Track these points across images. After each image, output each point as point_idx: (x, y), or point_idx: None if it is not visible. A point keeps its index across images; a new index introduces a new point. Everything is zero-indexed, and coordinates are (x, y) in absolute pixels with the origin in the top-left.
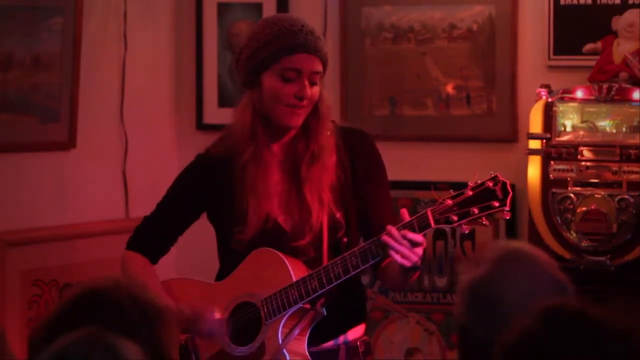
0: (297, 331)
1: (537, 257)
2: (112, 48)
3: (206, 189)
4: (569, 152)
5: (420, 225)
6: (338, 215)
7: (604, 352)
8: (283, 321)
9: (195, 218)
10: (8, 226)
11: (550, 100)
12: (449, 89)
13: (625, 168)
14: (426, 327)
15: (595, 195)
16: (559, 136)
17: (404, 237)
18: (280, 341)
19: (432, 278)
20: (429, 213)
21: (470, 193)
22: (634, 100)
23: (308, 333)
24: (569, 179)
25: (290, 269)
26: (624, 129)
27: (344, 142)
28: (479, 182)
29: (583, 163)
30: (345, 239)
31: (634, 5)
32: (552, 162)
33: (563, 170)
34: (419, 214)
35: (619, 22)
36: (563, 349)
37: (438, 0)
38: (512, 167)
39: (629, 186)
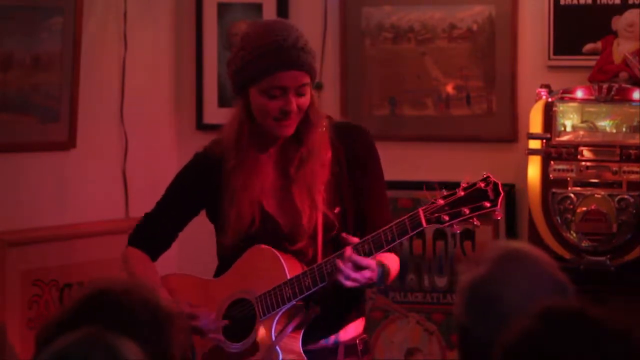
0: (290, 328)
1: (537, 257)
2: (112, 48)
3: (202, 188)
4: (569, 152)
5: (412, 225)
6: (335, 211)
7: (604, 352)
8: (276, 318)
9: (194, 215)
10: (8, 226)
11: (550, 100)
12: (449, 89)
13: (625, 168)
14: (426, 327)
15: (595, 195)
16: (559, 136)
17: (350, 260)
18: (273, 338)
19: (432, 278)
20: (421, 213)
21: (462, 193)
22: (634, 100)
23: (303, 331)
24: (569, 179)
25: (284, 267)
26: (624, 129)
27: (338, 137)
28: (471, 182)
29: (583, 163)
30: (343, 235)
31: (634, 5)
32: (552, 162)
33: (563, 170)
34: (411, 214)
35: (619, 22)
36: (563, 349)
37: (438, 0)
38: (512, 167)
39: (629, 186)
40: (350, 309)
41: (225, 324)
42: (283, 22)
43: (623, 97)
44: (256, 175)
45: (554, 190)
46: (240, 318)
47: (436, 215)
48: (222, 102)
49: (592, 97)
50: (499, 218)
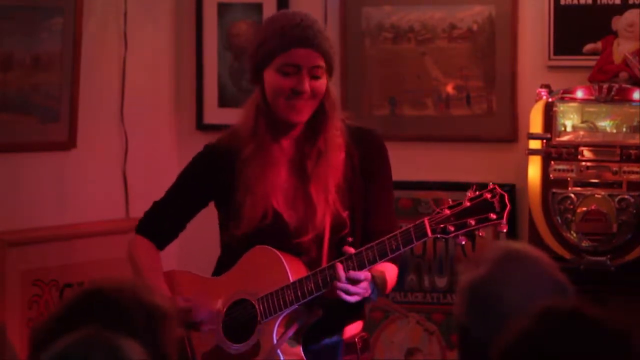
0: (291, 332)
1: (537, 257)
2: (112, 48)
3: (211, 180)
4: (569, 152)
5: (417, 234)
6: (344, 214)
7: (603, 352)
8: (278, 321)
9: (202, 206)
10: (8, 226)
11: (550, 100)
12: (449, 89)
13: (625, 168)
14: (426, 327)
15: (596, 196)
16: (559, 136)
17: (347, 277)
18: (275, 341)
19: (432, 278)
20: (427, 222)
21: (468, 204)
22: (634, 100)
23: (304, 333)
24: (569, 179)
25: (287, 270)
26: (624, 129)
27: (353, 141)
28: (478, 193)
29: (583, 163)
30: (350, 239)
31: (634, 5)
32: (552, 162)
33: (563, 170)
34: (416, 223)
35: (619, 22)
36: (561, 349)
37: (438, 0)
38: (512, 167)
39: (629, 186)
40: (352, 311)
41: (223, 320)
42: (301, 11)
43: (623, 97)
44: (271, 166)
45: (554, 190)
46: (241, 319)
47: (442, 225)
48: (222, 102)
49: (592, 97)
50: (504, 230)
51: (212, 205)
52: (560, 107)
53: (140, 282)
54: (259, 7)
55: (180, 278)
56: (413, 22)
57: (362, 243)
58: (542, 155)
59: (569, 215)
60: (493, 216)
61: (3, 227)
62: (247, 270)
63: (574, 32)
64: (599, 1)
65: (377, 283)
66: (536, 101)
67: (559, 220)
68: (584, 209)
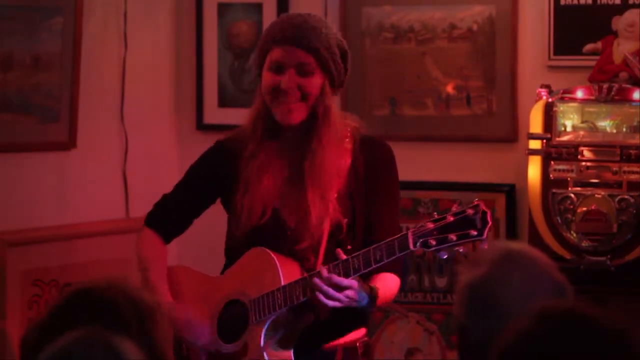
0: (279, 335)
1: (536, 258)
2: (112, 48)
3: (218, 176)
4: (569, 152)
5: (400, 247)
6: (343, 222)
7: (602, 352)
8: (267, 324)
9: (210, 202)
10: (8, 226)
11: (550, 100)
12: (449, 89)
13: (625, 168)
14: (426, 327)
15: (596, 196)
16: (559, 136)
17: (330, 281)
18: (262, 344)
19: (432, 278)
20: (410, 235)
21: (451, 219)
22: (634, 100)
23: (296, 338)
24: (569, 179)
25: (280, 272)
26: (624, 129)
27: (361, 150)
28: (461, 208)
29: (583, 163)
30: (349, 247)
31: (634, 5)
32: (552, 162)
33: (563, 170)
34: (400, 235)
35: (619, 22)
36: (561, 349)
37: (438, 0)
38: (512, 167)
39: (629, 186)
40: (354, 318)
41: (218, 319)
42: (306, 13)
43: (623, 97)
44: (269, 168)
45: (554, 190)
46: (235, 319)
47: (424, 239)
48: (222, 102)
49: (592, 97)
50: (485, 247)
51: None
52: (560, 107)
53: (128, 279)
54: (259, 7)
55: (182, 275)
56: (413, 22)
57: None
58: (542, 155)
59: (569, 215)
60: (474, 232)
61: (3, 227)
62: (243, 271)
63: (574, 32)
64: (599, 1)
65: (367, 292)
66: (536, 101)
67: (559, 220)
68: (584, 209)
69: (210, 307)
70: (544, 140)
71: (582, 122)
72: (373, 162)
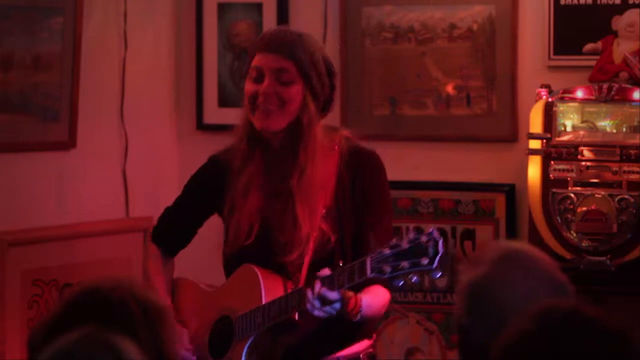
0: (260, 353)
1: (537, 257)
2: (112, 48)
3: (211, 192)
4: (569, 152)
5: (360, 273)
6: (332, 238)
7: (602, 352)
8: (249, 341)
9: (209, 214)
10: (8, 226)
11: (550, 100)
12: (449, 89)
13: (625, 168)
14: (426, 327)
15: (596, 195)
16: (559, 136)
17: (318, 294)
18: None
19: (432, 278)
20: (368, 261)
21: (406, 245)
22: (634, 100)
23: (279, 356)
24: (569, 179)
25: (262, 291)
26: (624, 129)
27: (348, 162)
28: (415, 235)
29: (583, 163)
30: (340, 262)
31: (634, 5)
32: (552, 162)
33: (563, 170)
34: (360, 260)
35: (619, 22)
36: (561, 349)
37: (438, 0)
38: (512, 167)
39: (629, 186)
40: (355, 328)
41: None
42: (303, 32)
43: (623, 97)
44: (255, 185)
45: (554, 190)
46: (224, 335)
47: (380, 265)
48: (222, 102)
49: (592, 97)
50: (437, 277)
51: None
52: (560, 107)
53: (134, 279)
54: (259, 7)
55: (182, 288)
56: (413, 22)
57: None
58: (542, 155)
59: (569, 215)
60: (425, 261)
61: (3, 227)
62: (232, 288)
63: (574, 32)
64: (599, 1)
65: (346, 304)
66: (536, 101)
67: (559, 220)
68: (584, 209)
69: (204, 322)
70: (544, 140)
71: (582, 122)
72: (360, 174)
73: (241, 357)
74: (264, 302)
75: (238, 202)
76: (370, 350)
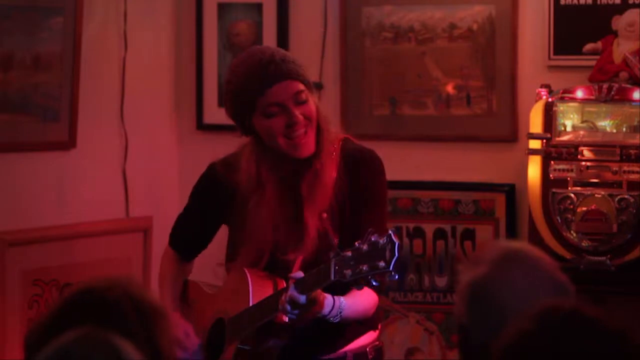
0: (249, 355)
1: (538, 257)
2: (112, 48)
3: (218, 203)
4: (569, 152)
5: (323, 277)
6: (334, 240)
7: (602, 352)
8: (238, 344)
9: (220, 225)
10: (8, 226)
11: (550, 100)
12: (449, 88)
13: (625, 168)
14: (426, 327)
15: (596, 195)
16: (559, 136)
17: (289, 298)
18: None
19: (432, 278)
20: (332, 265)
21: (365, 248)
22: (634, 100)
23: (274, 357)
24: (569, 178)
25: (250, 293)
26: (624, 129)
27: (346, 163)
28: (374, 238)
29: (583, 163)
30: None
31: (634, 5)
32: (552, 162)
33: (563, 170)
34: (324, 265)
35: (619, 22)
36: (561, 349)
37: (438, 0)
38: (512, 167)
39: (629, 186)
40: (358, 322)
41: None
42: (256, 46)
43: (623, 97)
44: (271, 207)
45: (554, 190)
46: (219, 337)
47: (342, 269)
48: (222, 102)
49: (592, 97)
50: (393, 279)
51: None
52: (560, 107)
53: (130, 278)
54: (259, 7)
55: (191, 290)
56: (413, 22)
57: None
58: (542, 155)
59: (569, 215)
60: (381, 264)
61: (3, 227)
62: (226, 291)
63: (574, 32)
64: (599, 1)
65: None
66: (536, 101)
67: (559, 220)
68: (584, 208)
69: (203, 323)
70: (544, 140)
71: (582, 121)
72: (357, 175)
73: (230, 358)
74: (251, 304)
75: (253, 232)
76: (377, 343)
